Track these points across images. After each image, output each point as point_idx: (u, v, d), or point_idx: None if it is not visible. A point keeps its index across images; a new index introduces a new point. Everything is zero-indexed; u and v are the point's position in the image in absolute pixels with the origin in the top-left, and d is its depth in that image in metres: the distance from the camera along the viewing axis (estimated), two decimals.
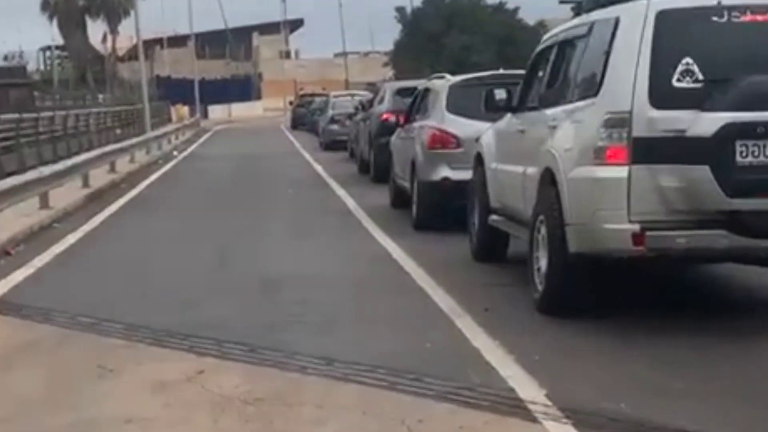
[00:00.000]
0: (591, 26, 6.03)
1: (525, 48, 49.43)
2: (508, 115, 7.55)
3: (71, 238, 10.73)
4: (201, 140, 36.54)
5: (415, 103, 11.64)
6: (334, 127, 26.41)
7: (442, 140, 9.91)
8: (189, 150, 29.79)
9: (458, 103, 10.04)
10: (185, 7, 55.54)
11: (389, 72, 59.25)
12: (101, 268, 8.85)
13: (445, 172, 9.93)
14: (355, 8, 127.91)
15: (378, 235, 10.28)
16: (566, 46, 6.47)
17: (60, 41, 70.96)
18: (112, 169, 19.04)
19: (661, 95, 5.30)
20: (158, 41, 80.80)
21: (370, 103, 17.89)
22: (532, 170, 6.47)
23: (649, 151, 5.30)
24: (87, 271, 8.72)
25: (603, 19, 5.85)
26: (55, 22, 66.19)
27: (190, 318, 6.50)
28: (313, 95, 44.50)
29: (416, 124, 11.02)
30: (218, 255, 9.25)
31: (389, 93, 16.38)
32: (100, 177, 17.36)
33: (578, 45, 6.19)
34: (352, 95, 29.74)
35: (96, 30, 69.84)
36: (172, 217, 12.51)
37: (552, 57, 6.66)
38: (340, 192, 15.10)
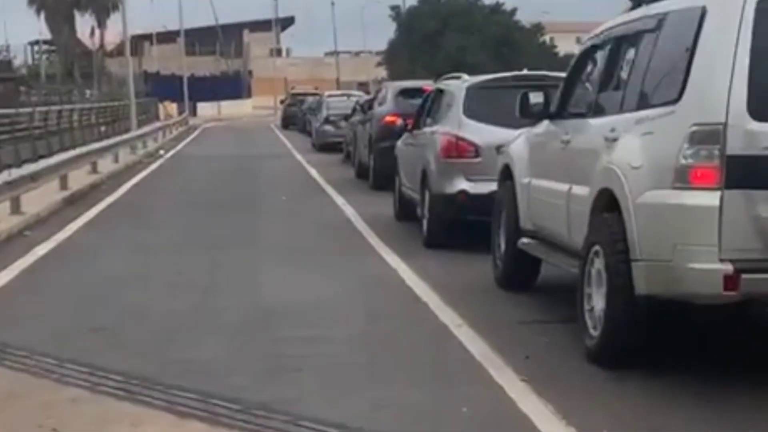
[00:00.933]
0: (662, 18, 4.97)
1: (521, 49, 48.73)
2: (545, 123, 6.49)
3: (40, 250, 9.61)
4: (189, 138, 35.39)
5: (426, 106, 10.56)
6: (329, 128, 25.32)
7: (459, 148, 8.85)
8: (176, 149, 28.64)
9: (477, 107, 8.98)
10: (175, 2, 54.58)
11: (382, 72, 58.24)
12: (69, 291, 7.72)
13: (461, 184, 8.87)
14: (347, 7, 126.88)
15: (385, 253, 9.21)
16: (626, 42, 5.40)
17: (48, 35, 69.65)
18: (94, 170, 17.91)
19: (763, 104, 4.26)
20: (147, 37, 79.59)
21: (370, 104, 16.83)
22: (582, 190, 5.42)
23: (746, 172, 4.26)
24: (52, 296, 7.58)
25: (681, 10, 4.80)
26: (42, 16, 64.86)
27: (170, 362, 5.41)
28: (305, 94, 43.32)
29: (427, 130, 9.95)
30: (204, 278, 8.15)
31: (391, 94, 15.30)
32: (80, 178, 16.24)
33: (644, 41, 5.13)
34: (347, 95, 28.64)
35: (84, 24, 68.57)
36: (153, 229, 11.39)
37: (606, 55, 5.59)
38: (338, 200, 14.02)
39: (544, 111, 6.36)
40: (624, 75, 5.25)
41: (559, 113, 6.28)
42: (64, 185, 14.82)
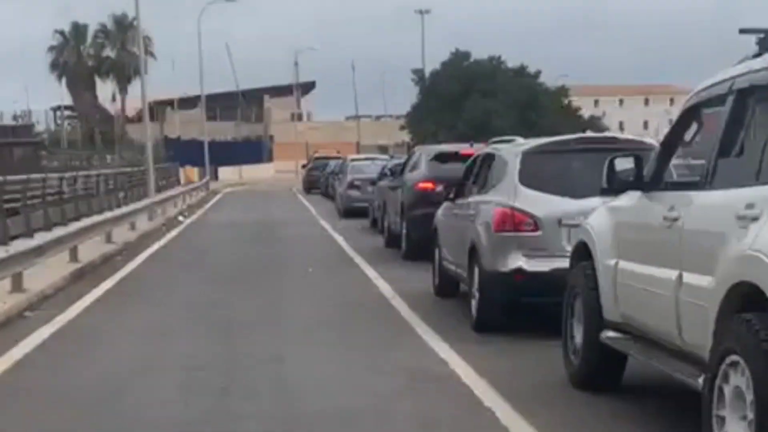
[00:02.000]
0: None
1: (547, 112, 47.94)
2: (636, 195, 5.36)
3: (38, 337, 8.50)
4: (210, 204, 34.51)
5: (472, 173, 9.47)
6: (354, 192, 24.31)
7: (515, 221, 7.72)
8: (196, 215, 27.71)
9: (534, 175, 7.88)
10: (197, 68, 54.38)
11: (404, 135, 57.54)
12: (61, 395, 6.55)
13: (518, 261, 7.72)
14: (368, 71, 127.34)
15: (429, 339, 8.04)
16: (757, 94, 4.28)
17: (70, 101, 69.74)
18: (108, 239, 16.90)
19: None
20: (169, 102, 79.74)
21: (401, 168, 15.78)
22: (701, 280, 4.28)
23: None
24: (40, 403, 6.40)
25: None
26: (64, 81, 65.04)
27: None
28: (327, 158, 42.53)
29: (475, 199, 8.84)
30: (221, 375, 6.99)
31: (425, 159, 14.25)
32: (93, 248, 15.21)
33: None
34: (372, 159, 27.70)
35: (106, 90, 68.66)
36: (166, 308, 10.25)
37: (728, 113, 4.47)
38: (369, 272, 12.88)
39: (635, 180, 5.24)
40: (761, 136, 4.11)
41: (656, 183, 5.16)
42: (74, 257, 13.79)
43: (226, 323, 9.05)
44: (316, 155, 46.04)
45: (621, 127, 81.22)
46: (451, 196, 9.95)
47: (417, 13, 64.52)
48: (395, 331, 8.57)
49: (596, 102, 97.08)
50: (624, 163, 5.32)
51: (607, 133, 9.08)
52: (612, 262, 5.50)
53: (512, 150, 8.25)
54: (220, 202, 36.51)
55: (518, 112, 45.61)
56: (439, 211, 10.50)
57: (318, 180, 40.02)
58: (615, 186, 5.43)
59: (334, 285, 11.82)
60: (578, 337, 6.00)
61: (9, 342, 8.22)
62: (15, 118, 67.22)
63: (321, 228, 21.51)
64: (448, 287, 10.24)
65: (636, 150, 7.85)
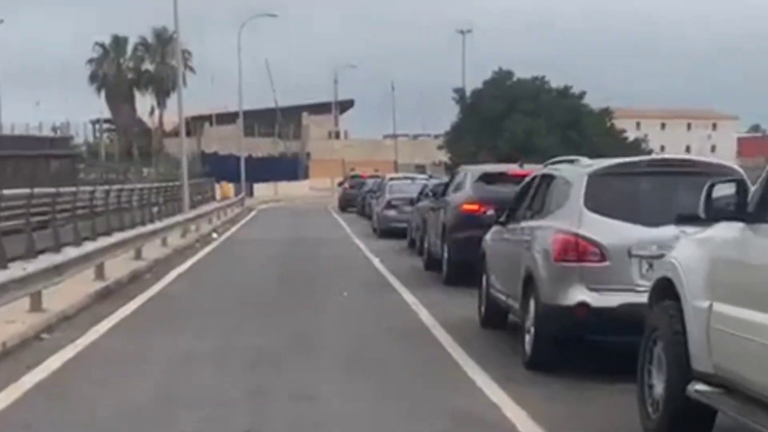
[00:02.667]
0: None
1: (590, 134, 46.92)
2: (737, 226, 4.55)
3: (52, 363, 7.85)
4: (244, 220, 33.96)
5: (527, 195, 8.69)
6: (392, 212, 23.59)
7: (579, 250, 6.93)
8: (230, 231, 27.14)
9: (602, 199, 7.09)
10: (236, 84, 54.35)
11: (441, 155, 56.79)
12: (74, 430, 5.89)
13: (581, 294, 6.93)
14: (406, 90, 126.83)
15: (477, 377, 7.27)
16: None
17: (108, 114, 69.94)
18: (138, 256, 16.30)
19: None
20: (207, 118, 79.84)
21: (444, 189, 15.03)
22: None
23: None
24: None
25: None
26: (103, 94, 65.17)
27: None
28: (363, 177, 41.91)
29: (530, 224, 8.05)
30: (245, 416, 6.25)
31: (470, 178, 13.48)
32: (120, 265, 14.61)
33: None
34: (411, 178, 26.98)
35: (145, 104, 68.76)
36: (192, 334, 9.54)
37: None
38: (408, 297, 12.11)
39: (738, 210, 4.44)
40: None
41: (764, 214, 4.35)
42: (100, 274, 13.18)
43: (255, 353, 8.33)
44: (353, 173, 45.44)
45: (663, 151, 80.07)
46: (502, 219, 9.17)
47: (458, 32, 64.07)
48: (438, 367, 7.80)
49: (638, 125, 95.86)
50: (726, 189, 4.53)
51: (683, 156, 8.20)
52: (705, 303, 4.70)
53: (577, 171, 7.46)
54: (255, 218, 35.97)
55: (561, 132, 44.70)
56: (488, 236, 9.72)
57: (354, 198, 39.38)
58: (714, 216, 4.63)
59: (370, 311, 11.06)
60: (658, 387, 5.19)
61: (20, 369, 7.59)
62: (54, 129, 67.50)
63: (356, 248, 20.79)
64: (495, 318, 9.46)
65: (718, 175, 7.05)
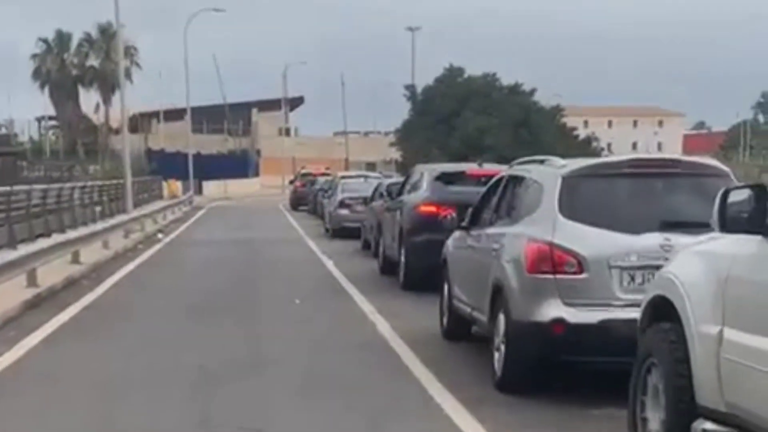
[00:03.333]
0: None
1: (541, 131, 46.65)
2: (755, 239, 3.92)
3: None
4: (192, 219, 32.96)
5: (492, 198, 8.04)
6: (344, 212, 22.87)
7: (554, 260, 6.29)
8: (177, 231, 26.17)
9: (578, 203, 6.46)
10: (184, 80, 52.99)
11: (393, 153, 56.15)
12: None
13: (556, 310, 6.28)
14: (356, 87, 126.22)
15: (443, 400, 6.59)
16: None
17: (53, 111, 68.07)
18: (75, 260, 15.37)
19: None
20: (155, 114, 78.30)
21: (399, 189, 14.34)
22: None
23: None
24: None
25: None
26: (47, 91, 63.32)
27: None
28: (314, 175, 41.10)
29: (498, 230, 7.40)
30: None
31: (427, 178, 12.81)
32: (55, 270, 13.70)
33: None
34: (365, 177, 26.29)
35: (90, 100, 67.01)
36: (129, 348, 8.76)
37: None
38: (364, 305, 11.40)
39: (756, 220, 3.81)
40: None
41: None
42: (32, 281, 12.27)
43: (197, 374, 7.55)
44: (303, 171, 44.59)
45: (609, 148, 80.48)
46: (464, 224, 8.51)
47: (407, 30, 63.43)
48: (398, 387, 7.11)
49: (586, 123, 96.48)
50: (741, 195, 3.90)
51: (667, 155, 7.55)
52: (714, 329, 4.06)
53: (549, 172, 6.81)
54: (204, 217, 34.97)
55: (512, 130, 44.34)
56: (450, 241, 9.05)
57: (306, 197, 38.59)
58: (732, 228, 3.99)
59: (324, 322, 10.32)
60: (654, 422, 4.55)
61: None
62: None
63: (309, 250, 20.03)
64: (459, 329, 8.81)
65: (706, 176, 6.48)
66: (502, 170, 13.23)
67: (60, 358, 8.32)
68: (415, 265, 12.45)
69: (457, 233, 8.79)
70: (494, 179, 8.27)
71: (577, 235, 6.30)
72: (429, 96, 47.32)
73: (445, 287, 9.04)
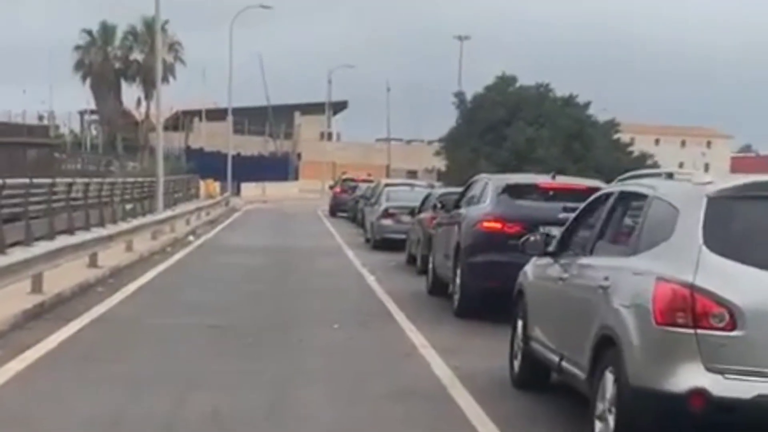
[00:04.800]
0: None
1: (594, 146, 44.66)
2: None
3: None
4: (227, 222, 31.54)
5: (592, 219, 6.35)
6: (388, 222, 21.23)
7: (696, 310, 4.59)
8: (210, 234, 24.72)
9: (729, 234, 4.77)
10: (228, 79, 51.65)
11: (436, 161, 54.41)
12: None
13: (695, 377, 4.60)
14: (401, 95, 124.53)
15: None
16: None
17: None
18: (93, 263, 13.92)
19: None
20: (197, 113, 77.47)
21: (457, 200, 12.66)
22: None
23: None
24: None
25: None
26: (88, 83, 62.43)
27: None
28: (356, 181, 39.56)
29: (603, 262, 5.71)
30: None
31: (493, 190, 11.11)
32: (68, 274, 12.25)
33: None
34: (411, 185, 24.66)
35: (132, 95, 66.13)
36: (134, 382, 7.19)
37: None
38: (413, 335, 9.74)
39: None
40: None
41: None
42: (37, 287, 10.80)
43: (212, 424, 5.95)
44: (344, 176, 43.01)
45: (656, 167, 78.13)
46: (551, 249, 6.82)
47: (456, 38, 61.76)
48: None
49: (632, 140, 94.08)
50: None
51: None
52: None
53: (687, 190, 5.09)
54: (239, 220, 33.52)
55: (564, 142, 42.39)
56: (529, 269, 7.37)
57: (345, 203, 37.08)
58: None
59: (366, 356, 8.68)
60: None
61: None
62: (40, 118, 64.87)
63: (348, 262, 18.40)
64: (535, 377, 7.15)
65: None
66: (579, 184, 11.66)
67: (45, 392, 6.77)
68: (473, 290, 10.80)
69: (539, 260, 7.10)
70: (595, 196, 6.57)
71: (729, 276, 4.60)
72: (478, 104, 45.46)
73: (519, 325, 7.36)
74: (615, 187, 6.24)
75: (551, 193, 10.77)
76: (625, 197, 5.88)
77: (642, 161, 45.58)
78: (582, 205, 6.77)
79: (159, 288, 13.17)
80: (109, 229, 15.79)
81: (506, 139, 43.57)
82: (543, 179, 11.28)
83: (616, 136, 46.34)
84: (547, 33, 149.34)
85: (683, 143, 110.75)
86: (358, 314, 11.27)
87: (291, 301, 12.18)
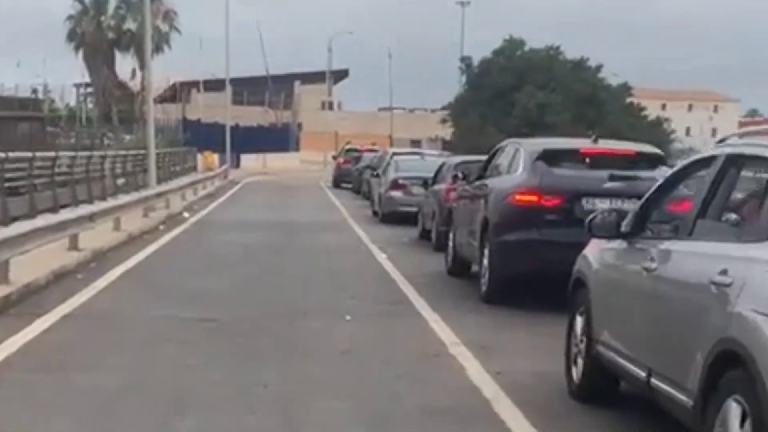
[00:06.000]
0: None
1: (607, 110, 43.14)
2: None
3: None
4: (226, 195, 30.09)
5: (682, 190, 4.92)
6: (397, 194, 19.77)
7: None
8: (207, 210, 23.26)
9: None
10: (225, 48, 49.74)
11: (441, 130, 52.83)
12: None
13: None
14: (402, 63, 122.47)
15: None
16: None
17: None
18: (74, 245, 12.49)
19: None
20: (195, 84, 75.76)
21: (481, 169, 11.18)
22: None
23: None
24: None
25: None
26: (81, 54, 60.60)
27: None
28: (360, 151, 38.05)
29: (716, 249, 4.26)
30: None
31: (526, 157, 9.59)
32: (44, 259, 10.84)
33: None
34: (421, 154, 23.20)
35: (126, 65, 64.33)
36: (103, 395, 5.76)
37: None
38: (439, 329, 8.33)
39: None
40: None
41: None
42: (2, 277, 9.39)
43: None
44: (348, 147, 41.50)
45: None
46: (626, 228, 5.37)
47: (458, 3, 59.81)
48: None
49: (639, 105, 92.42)
50: None
51: None
52: None
53: None
54: (238, 194, 32.07)
55: (576, 108, 40.88)
56: (591, 253, 5.91)
57: (349, 174, 35.62)
58: None
59: (388, 358, 7.24)
60: None
61: None
62: (34, 92, 63.17)
63: (357, 238, 16.97)
64: (602, 387, 5.74)
65: None
66: (627, 149, 10.19)
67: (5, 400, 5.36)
68: (504, 273, 9.38)
69: (606, 242, 5.64)
70: (688, 161, 5.11)
71: None
72: (485, 69, 43.90)
73: (578, 323, 5.94)
74: (717, 150, 4.76)
75: (594, 159, 9.32)
76: (739, 162, 4.42)
77: (658, 125, 44.06)
78: (667, 173, 5.32)
79: (146, 273, 11.74)
80: (90, 208, 14.33)
81: (515, 105, 42.10)
82: (583, 143, 9.81)
83: (628, 101, 44.82)
84: None
85: (690, 108, 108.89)
86: (373, 301, 9.85)
87: (296, 287, 10.75)
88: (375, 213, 21.98)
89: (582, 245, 5.98)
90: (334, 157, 44.71)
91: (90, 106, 69.30)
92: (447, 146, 50.95)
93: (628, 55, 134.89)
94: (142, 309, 9.06)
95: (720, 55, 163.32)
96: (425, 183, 17.01)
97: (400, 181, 19.70)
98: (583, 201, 8.89)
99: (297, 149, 70.43)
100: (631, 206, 8.89)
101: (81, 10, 59.46)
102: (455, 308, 9.39)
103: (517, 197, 9.20)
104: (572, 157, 9.41)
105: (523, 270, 9.16)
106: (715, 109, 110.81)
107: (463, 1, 66.78)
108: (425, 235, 16.25)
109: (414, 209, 17.73)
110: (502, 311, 9.18)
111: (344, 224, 19.99)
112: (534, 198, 9.05)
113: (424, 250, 14.94)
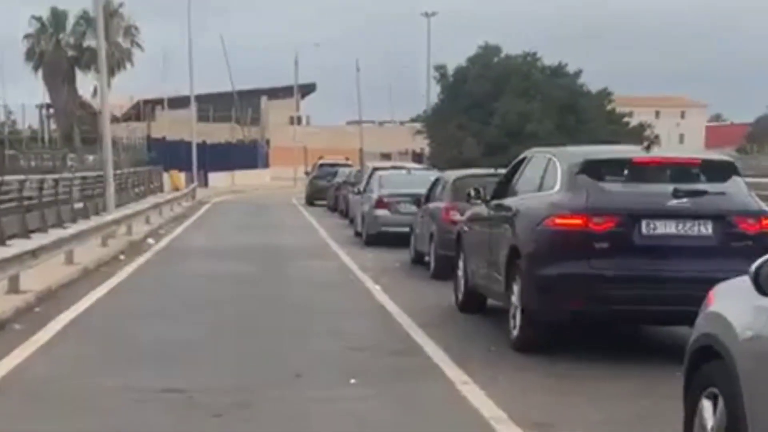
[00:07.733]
0: None
1: (588, 118, 41.56)
2: None
3: None
4: (194, 217, 28.04)
5: None
6: (384, 213, 17.91)
7: None
8: (173, 235, 21.23)
9: None
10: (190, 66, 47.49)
11: (416, 142, 51.06)
12: None
13: None
14: (371, 77, 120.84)
15: None
16: None
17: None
18: (14, 288, 10.51)
19: None
20: (159, 102, 73.72)
21: (499, 184, 9.32)
22: None
23: None
24: None
25: None
26: (41, 74, 58.29)
27: None
28: (334, 165, 36.21)
29: None
30: None
31: (564, 170, 7.74)
32: None
33: None
34: (408, 169, 21.38)
35: (87, 84, 62.11)
36: None
37: None
38: (475, 399, 6.43)
39: None
40: None
41: None
42: None
43: None
44: (321, 161, 39.65)
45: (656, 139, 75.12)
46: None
47: (423, 15, 58.12)
48: None
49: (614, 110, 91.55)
50: None
51: None
52: None
53: None
54: (207, 215, 30.01)
55: (557, 115, 39.32)
56: (733, 312, 4.07)
57: (324, 190, 33.78)
58: None
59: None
60: None
61: None
62: None
63: (343, 266, 15.04)
64: None
65: None
66: (691, 157, 8.36)
67: None
68: (543, 315, 7.53)
69: (759, 300, 3.80)
70: None
71: None
72: (461, 78, 42.22)
73: (706, 411, 4.10)
74: None
75: (651, 170, 7.54)
76: None
77: (640, 132, 42.60)
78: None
79: (99, 320, 9.75)
80: (37, 242, 12.31)
81: (494, 114, 40.47)
82: (634, 151, 8.02)
83: (610, 107, 43.33)
84: (514, 4, 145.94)
85: (657, 114, 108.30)
86: (379, 353, 7.96)
87: (281, 336, 8.83)
88: (357, 234, 20.10)
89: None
90: (307, 173, 42.81)
91: (53, 126, 66.94)
92: (418, 159, 49.26)
93: (596, 61, 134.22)
94: (89, 374, 7.11)
95: (688, 59, 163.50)
96: (417, 201, 15.19)
97: (386, 199, 17.85)
98: (643, 224, 7.11)
99: (266, 166, 68.56)
100: (702, 230, 7.26)
101: (38, 28, 57.19)
102: (484, 361, 7.56)
103: (558, 221, 7.37)
104: (622, 168, 7.60)
105: (567, 311, 7.35)
106: (683, 115, 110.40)
107: (428, 12, 65.18)
108: (419, 259, 14.48)
109: (404, 230, 15.92)
110: (542, 362, 7.35)
111: (326, 248, 18.09)
112: (579, 221, 7.24)
113: (421, 278, 13.15)
